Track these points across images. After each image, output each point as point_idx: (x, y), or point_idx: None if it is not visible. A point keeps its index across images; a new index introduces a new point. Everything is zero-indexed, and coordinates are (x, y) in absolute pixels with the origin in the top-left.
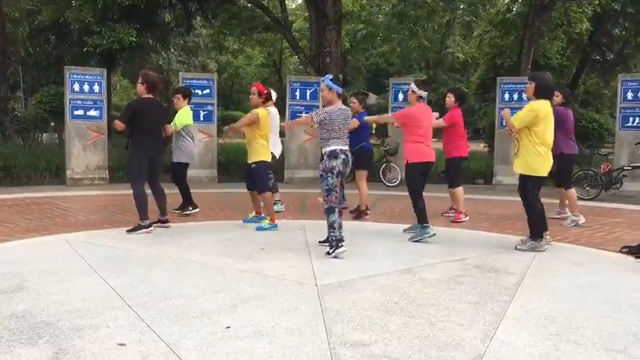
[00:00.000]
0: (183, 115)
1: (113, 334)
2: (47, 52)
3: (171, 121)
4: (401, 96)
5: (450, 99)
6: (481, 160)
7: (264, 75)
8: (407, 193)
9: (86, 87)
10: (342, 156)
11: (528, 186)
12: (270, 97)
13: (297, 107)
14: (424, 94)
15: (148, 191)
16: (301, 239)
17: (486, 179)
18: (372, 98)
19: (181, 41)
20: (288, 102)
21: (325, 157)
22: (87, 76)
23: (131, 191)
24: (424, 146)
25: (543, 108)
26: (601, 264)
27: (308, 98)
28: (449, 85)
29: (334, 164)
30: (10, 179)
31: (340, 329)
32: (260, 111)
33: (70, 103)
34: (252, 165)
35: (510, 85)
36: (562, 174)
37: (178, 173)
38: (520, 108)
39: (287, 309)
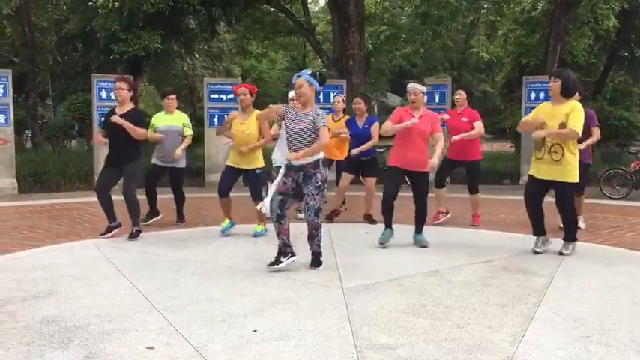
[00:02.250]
0: (187, 119)
1: (142, 338)
2: (75, 60)
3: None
4: (425, 97)
5: (463, 96)
6: (507, 160)
7: (287, 78)
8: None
9: (113, 94)
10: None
11: (573, 193)
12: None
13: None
14: None
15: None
16: (326, 242)
17: (513, 179)
18: (397, 100)
19: (205, 47)
20: None
21: (321, 164)
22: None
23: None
24: None
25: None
26: (632, 264)
27: (332, 101)
28: (474, 86)
29: (328, 174)
30: (41, 186)
31: (367, 332)
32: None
33: (97, 110)
34: (257, 171)
35: (536, 84)
36: (582, 181)
37: (183, 179)
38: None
39: (313, 312)
